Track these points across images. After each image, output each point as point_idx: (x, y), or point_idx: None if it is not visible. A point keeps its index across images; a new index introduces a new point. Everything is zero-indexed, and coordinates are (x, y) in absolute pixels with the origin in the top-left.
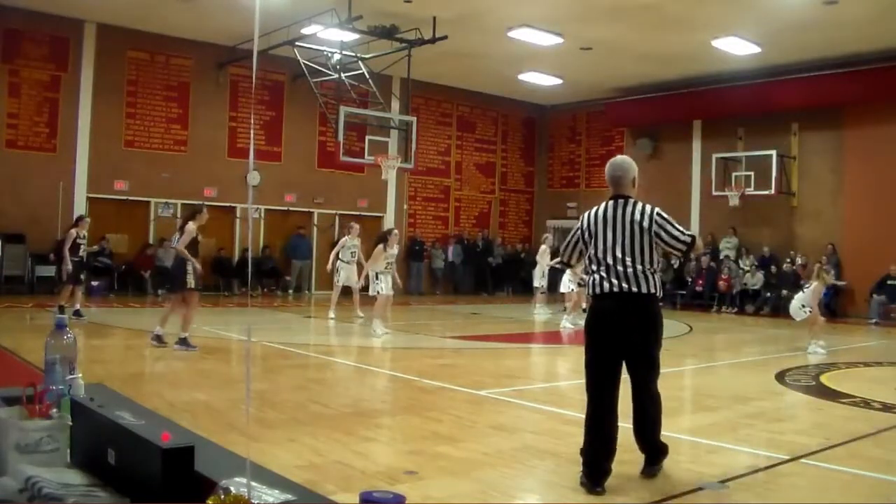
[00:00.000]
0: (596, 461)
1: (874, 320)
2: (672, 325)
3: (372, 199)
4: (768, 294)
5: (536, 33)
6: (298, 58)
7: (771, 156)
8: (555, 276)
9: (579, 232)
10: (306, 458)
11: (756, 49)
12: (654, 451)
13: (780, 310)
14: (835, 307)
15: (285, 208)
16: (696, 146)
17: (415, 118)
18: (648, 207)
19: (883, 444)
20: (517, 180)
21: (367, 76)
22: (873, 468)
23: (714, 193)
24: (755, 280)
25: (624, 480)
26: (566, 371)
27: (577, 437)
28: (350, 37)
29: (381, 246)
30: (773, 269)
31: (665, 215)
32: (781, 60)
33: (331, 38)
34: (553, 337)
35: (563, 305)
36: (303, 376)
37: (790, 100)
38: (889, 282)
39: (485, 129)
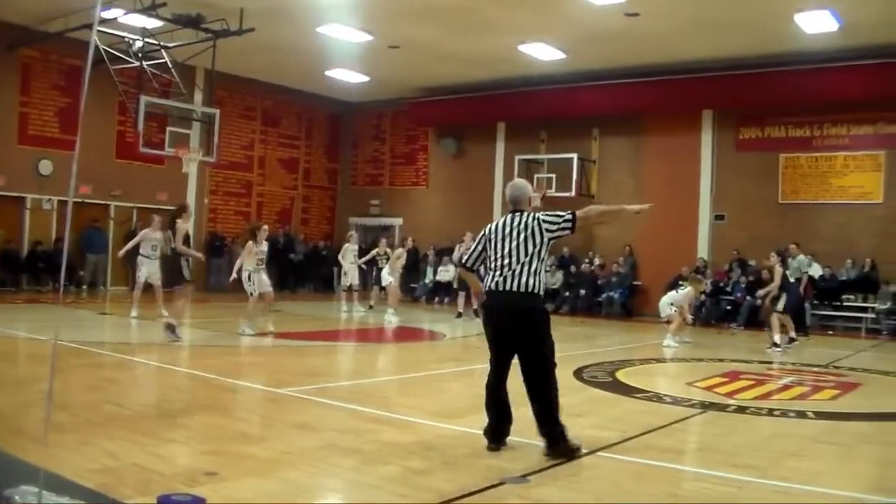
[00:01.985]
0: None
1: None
2: (475, 322)
3: (172, 192)
4: (567, 293)
5: (346, 30)
6: (97, 42)
7: (572, 159)
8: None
9: (483, 241)
10: (101, 462)
11: (561, 55)
12: (550, 436)
13: (577, 309)
14: (630, 306)
15: (80, 200)
16: (500, 147)
17: (218, 111)
18: (533, 214)
19: (673, 436)
20: (320, 177)
21: (170, 66)
22: (665, 458)
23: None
24: (555, 280)
25: (426, 477)
26: (370, 368)
27: (381, 435)
28: (153, 24)
29: (250, 242)
30: (573, 269)
31: (546, 214)
32: (585, 67)
33: (133, 23)
34: (357, 334)
35: (369, 302)
36: (97, 376)
37: (592, 106)
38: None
39: (289, 124)
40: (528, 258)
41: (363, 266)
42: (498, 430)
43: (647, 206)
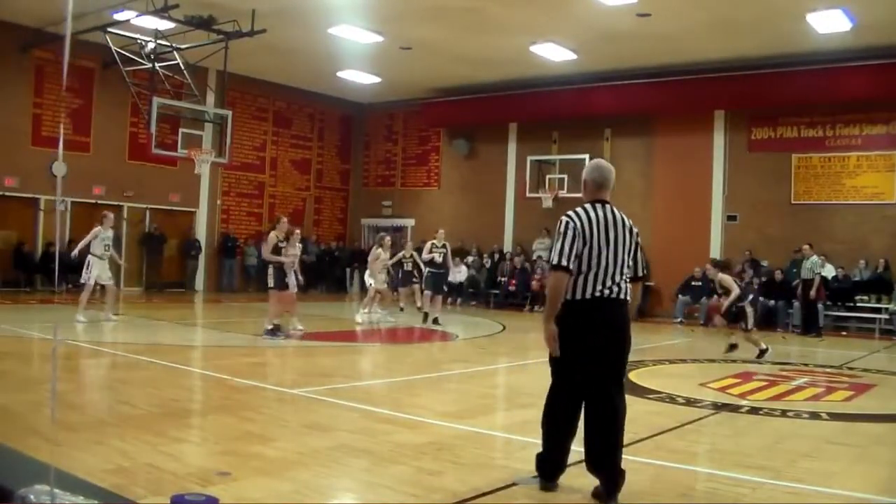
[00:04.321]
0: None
1: (679, 319)
2: (486, 323)
3: (184, 193)
4: None
5: (357, 31)
6: (110, 44)
7: (584, 160)
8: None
9: (579, 238)
10: (114, 462)
11: (572, 56)
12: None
13: None
14: (643, 307)
15: (94, 201)
16: (512, 148)
17: (230, 112)
18: (631, 223)
19: (685, 437)
20: (333, 178)
21: (182, 67)
22: (677, 459)
23: (528, 195)
24: None
25: (438, 477)
26: (382, 369)
27: (393, 435)
28: (165, 25)
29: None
30: None
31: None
32: (596, 68)
33: (145, 25)
34: (369, 335)
35: (400, 305)
36: (110, 376)
37: (603, 106)
38: (693, 283)
39: (301, 125)
40: (625, 263)
41: (390, 269)
42: (562, 463)
43: None
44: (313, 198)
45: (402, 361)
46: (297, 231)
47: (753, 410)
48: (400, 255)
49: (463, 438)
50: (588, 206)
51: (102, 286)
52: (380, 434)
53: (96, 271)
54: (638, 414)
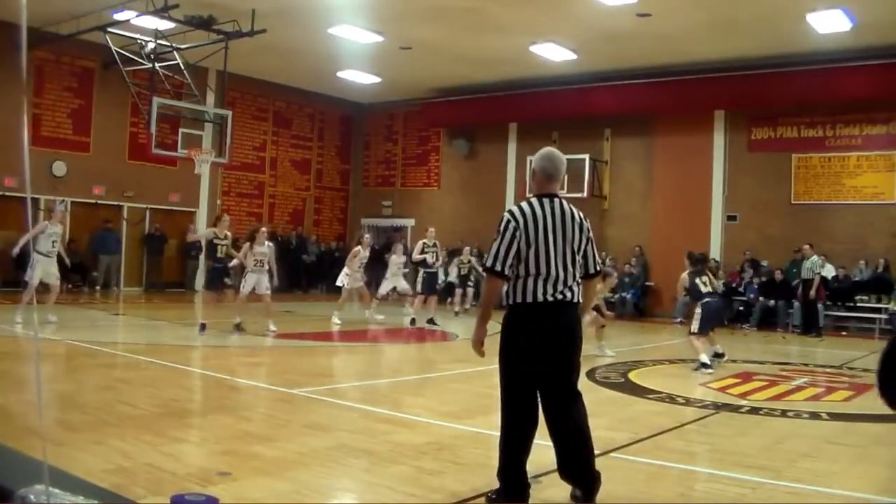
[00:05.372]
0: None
1: (679, 319)
2: (488, 324)
3: (184, 193)
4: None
5: (357, 31)
6: (110, 44)
7: (584, 160)
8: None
9: (519, 236)
10: (114, 462)
11: (572, 56)
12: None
13: None
14: (643, 307)
15: (94, 201)
16: (512, 148)
17: (230, 112)
18: (581, 214)
19: (685, 437)
20: (333, 178)
21: (182, 67)
22: (677, 459)
23: (528, 195)
24: None
25: (438, 477)
26: (381, 369)
27: (393, 435)
28: (165, 25)
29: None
30: None
31: (591, 234)
32: (596, 68)
33: (145, 25)
34: (369, 335)
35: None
36: (110, 376)
37: (603, 106)
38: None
39: (301, 125)
40: (576, 262)
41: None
42: (527, 480)
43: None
44: (313, 198)
45: (401, 361)
46: (264, 229)
47: (753, 410)
48: (423, 255)
49: (463, 438)
50: (535, 200)
51: (47, 285)
52: (380, 434)
53: (40, 270)
54: (638, 414)
